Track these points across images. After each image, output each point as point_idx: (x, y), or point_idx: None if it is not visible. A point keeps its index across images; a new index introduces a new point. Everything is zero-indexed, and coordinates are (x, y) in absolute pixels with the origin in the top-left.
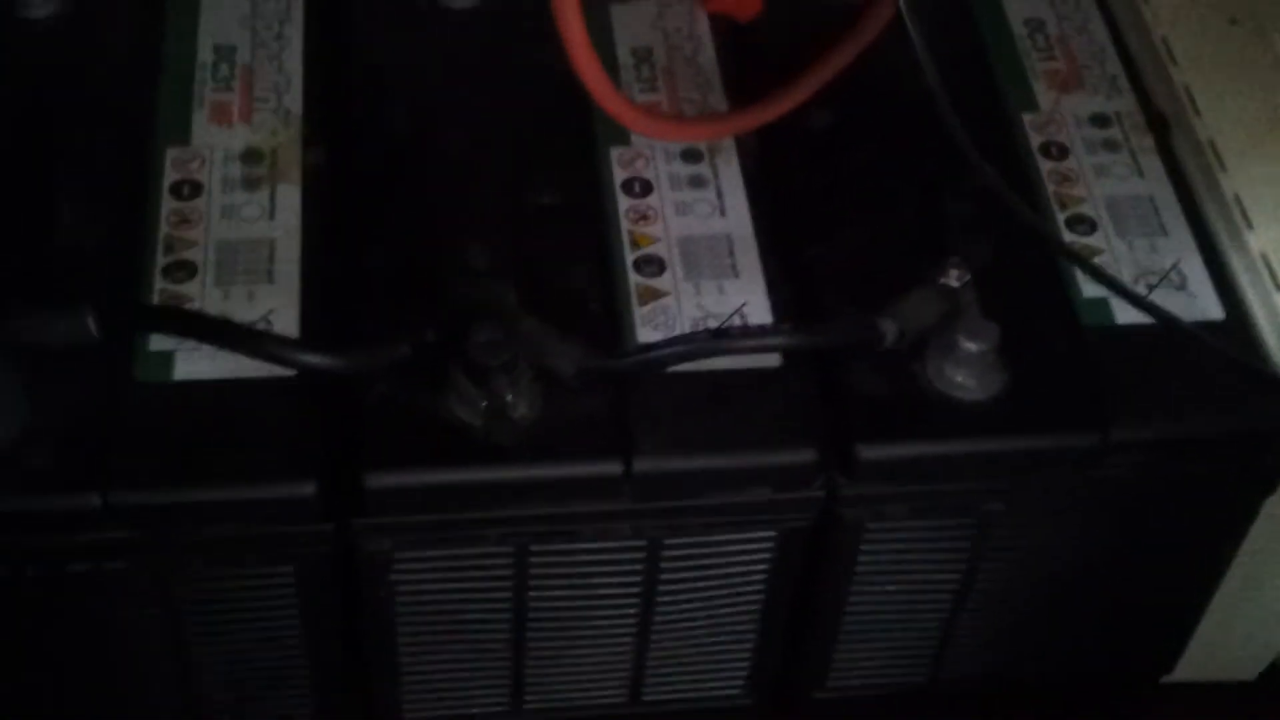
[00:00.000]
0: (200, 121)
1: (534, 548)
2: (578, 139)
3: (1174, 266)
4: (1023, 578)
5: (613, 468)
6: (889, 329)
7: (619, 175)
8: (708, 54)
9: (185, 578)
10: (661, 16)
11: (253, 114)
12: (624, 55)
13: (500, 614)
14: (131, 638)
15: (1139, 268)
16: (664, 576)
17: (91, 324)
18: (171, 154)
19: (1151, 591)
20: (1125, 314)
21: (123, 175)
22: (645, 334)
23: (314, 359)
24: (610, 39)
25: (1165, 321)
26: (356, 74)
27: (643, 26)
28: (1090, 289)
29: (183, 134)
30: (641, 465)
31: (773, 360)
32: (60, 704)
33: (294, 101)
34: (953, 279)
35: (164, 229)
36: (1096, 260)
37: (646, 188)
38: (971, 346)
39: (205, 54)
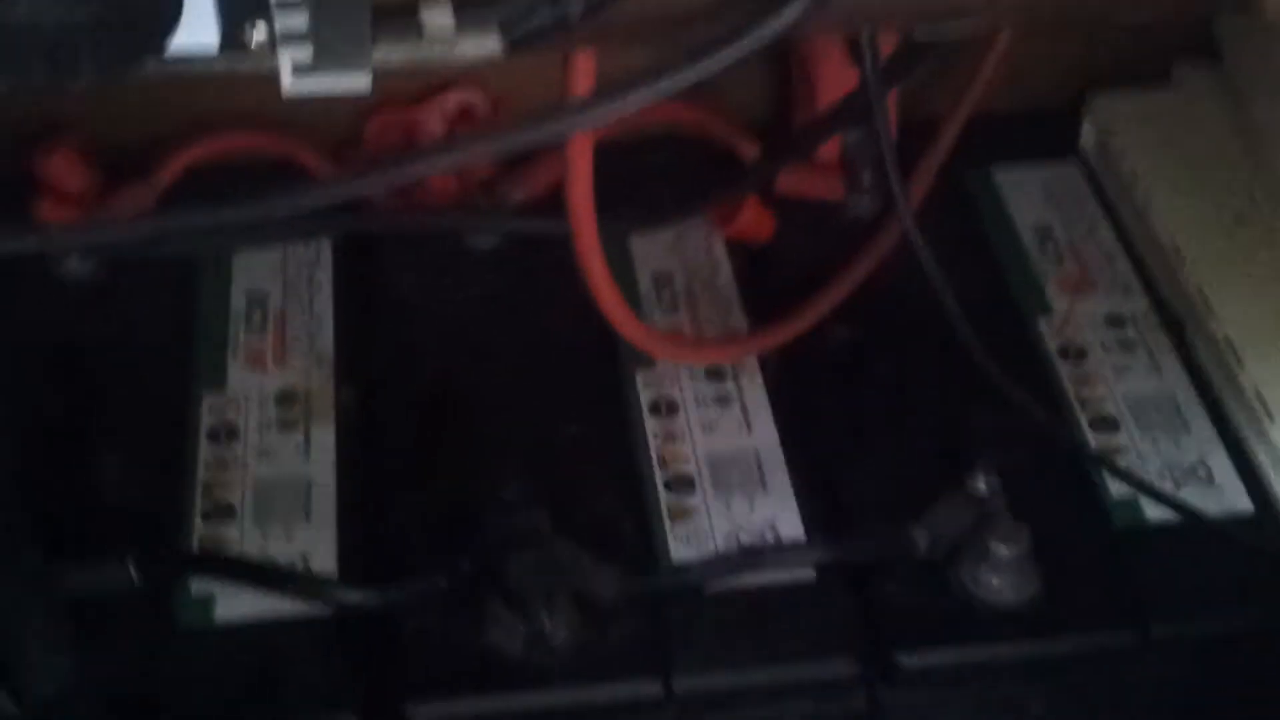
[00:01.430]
0: (235, 367)
1: None
2: (603, 365)
3: (1200, 461)
4: None
5: (653, 688)
6: (921, 539)
7: (645, 397)
8: (725, 276)
9: None
10: (680, 243)
11: (286, 357)
12: (645, 282)
13: None
14: None
15: (1165, 464)
16: None
17: (133, 573)
18: (208, 400)
19: None
20: (1155, 511)
21: (162, 424)
22: (679, 551)
23: (353, 596)
24: (630, 266)
25: (1195, 518)
26: (386, 315)
27: (662, 253)
28: (1118, 489)
29: (219, 380)
30: (682, 684)
31: (807, 574)
32: None
33: (326, 343)
34: (981, 485)
35: (202, 474)
36: (1122, 459)
37: (673, 408)
38: (1004, 550)
39: (238, 301)
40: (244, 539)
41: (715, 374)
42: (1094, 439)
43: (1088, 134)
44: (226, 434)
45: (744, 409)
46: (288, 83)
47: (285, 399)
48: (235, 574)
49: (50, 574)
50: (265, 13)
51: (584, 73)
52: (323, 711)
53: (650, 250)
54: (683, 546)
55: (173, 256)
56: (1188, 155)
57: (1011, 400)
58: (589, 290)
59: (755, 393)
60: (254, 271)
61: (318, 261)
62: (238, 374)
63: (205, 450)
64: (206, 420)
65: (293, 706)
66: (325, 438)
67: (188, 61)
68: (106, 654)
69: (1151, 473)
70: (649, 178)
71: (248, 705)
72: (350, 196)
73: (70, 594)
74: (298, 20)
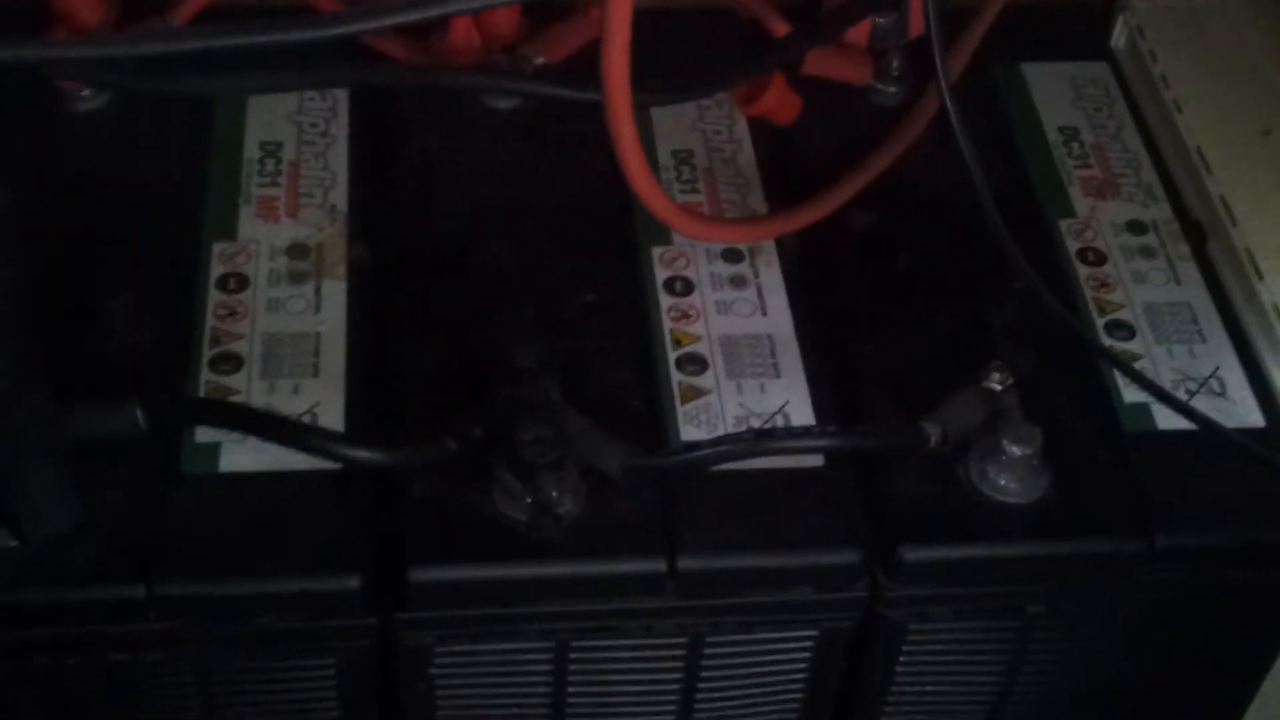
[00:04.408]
0: (247, 216)
1: (575, 644)
2: (619, 237)
3: (1214, 373)
4: (1065, 680)
5: (657, 565)
6: (933, 433)
7: (661, 274)
8: (747, 156)
9: (226, 669)
10: (701, 119)
11: (299, 210)
12: (665, 157)
13: (540, 709)
14: None
15: (1178, 374)
16: (705, 674)
17: (139, 418)
18: (218, 248)
19: (1193, 695)
20: (1166, 420)
21: (170, 269)
22: (688, 432)
23: (360, 454)
24: (651, 141)
25: (1207, 427)
26: (401, 171)
27: (683, 129)
28: (1131, 394)
29: (230, 229)
30: (686, 563)
31: (815, 460)
32: None
33: (339, 198)
34: (995, 383)
35: (210, 322)
36: (1136, 366)
37: (688, 287)
38: (1015, 450)
39: (252, 150)
40: (251, 390)
41: (732, 254)
42: (1109, 343)
43: (1119, 33)
44: (236, 283)
45: (760, 292)
46: None
47: (296, 251)
48: (243, 424)
49: (57, 415)
50: None
51: None
52: (325, 567)
53: (672, 125)
54: (692, 426)
55: (185, 95)
56: (1219, 62)
57: (1034, 296)
58: (617, 158)
59: (772, 276)
60: (268, 120)
61: (334, 114)
62: (249, 223)
63: (214, 298)
64: (216, 268)
65: (295, 560)
66: (336, 293)
67: None
68: (110, 496)
69: (1165, 381)
70: (674, 50)
71: (250, 554)
72: (369, 31)
73: (76, 436)
74: None
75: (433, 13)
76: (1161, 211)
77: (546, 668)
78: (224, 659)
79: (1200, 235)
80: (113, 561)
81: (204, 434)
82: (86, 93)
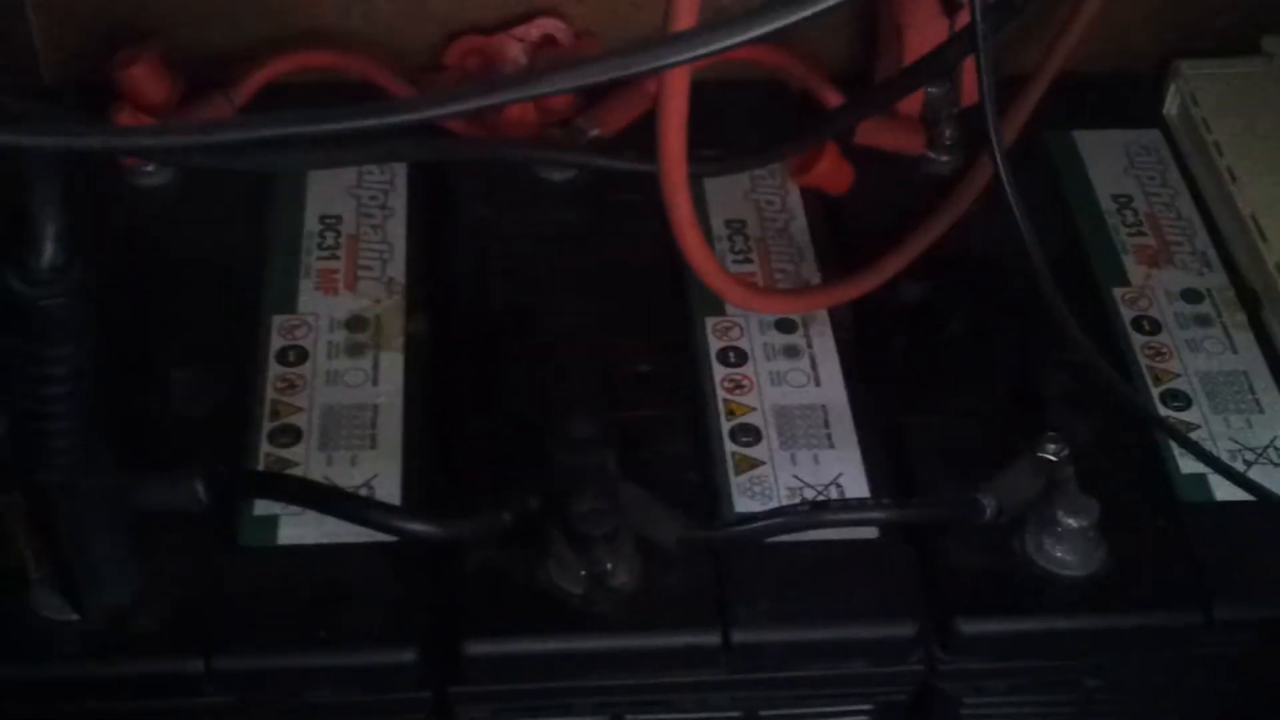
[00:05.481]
0: (307, 289)
1: (629, 716)
2: (673, 307)
3: (1271, 442)
4: None
5: (712, 639)
6: (988, 504)
7: (714, 344)
8: (800, 225)
9: None
10: (754, 189)
11: (357, 282)
12: (718, 226)
13: None
14: None
15: (1235, 444)
16: None
17: (200, 491)
18: (278, 321)
19: None
20: (1224, 490)
21: (231, 341)
22: (742, 503)
23: (416, 527)
24: (705, 210)
25: (1265, 498)
26: (459, 244)
27: (736, 198)
28: (1188, 465)
29: (289, 302)
30: (740, 637)
31: (870, 531)
32: None
33: (397, 270)
34: (1050, 454)
35: (270, 394)
36: (1193, 436)
37: (741, 357)
38: (1071, 522)
39: (312, 223)
40: (309, 462)
41: (785, 325)
42: (1165, 414)
43: (1171, 101)
44: (295, 355)
45: (813, 362)
46: None
47: (355, 324)
48: (301, 497)
49: (120, 487)
50: None
51: (687, 6)
52: (382, 640)
53: (725, 195)
54: (746, 499)
55: (247, 170)
56: (1272, 129)
57: (1088, 366)
58: (671, 230)
59: (825, 346)
60: (328, 193)
61: (392, 186)
62: (308, 296)
63: (274, 370)
64: (276, 341)
65: (351, 633)
66: (393, 365)
67: None
68: (168, 568)
69: (1221, 451)
70: (727, 120)
71: (306, 628)
72: (430, 119)
73: (137, 508)
74: None
75: (502, 99)
76: (1216, 279)
77: None
78: None
79: (1256, 303)
80: (171, 635)
81: (262, 506)
82: (150, 168)
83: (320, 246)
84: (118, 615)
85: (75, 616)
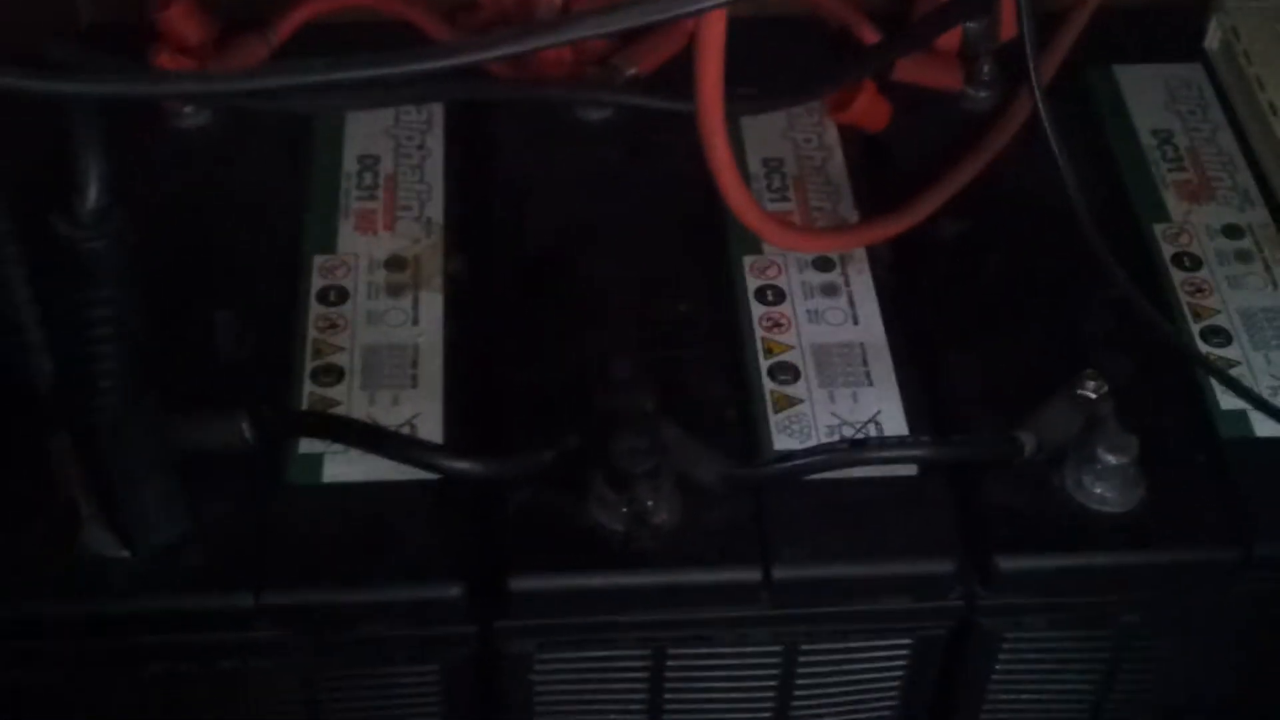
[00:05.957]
0: (346, 230)
1: (671, 651)
2: (711, 247)
3: None
4: (1161, 691)
5: (752, 575)
6: (1027, 442)
7: (752, 283)
8: (837, 163)
9: (331, 676)
10: (792, 127)
11: (396, 223)
12: (755, 165)
13: (636, 715)
14: None
15: (1276, 380)
16: (799, 682)
17: (245, 430)
18: (319, 261)
19: None
20: (1264, 426)
21: (273, 282)
22: (781, 441)
23: (459, 465)
24: (742, 149)
25: None
26: (496, 184)
27: (774, 137)
28: (1228, 401)
29: (329, 242)
30: (781, 573)
31: (909, 469)
32: None
33: (435, 210)
34: (1090, 391)
35: (312, 334)
36: (1233, 372)
37: (779, 295)
38: (1111, 459)
39: (350, 164)
40: (351, 402)
41: (823, 263)
42: (1205, 350)
43: (1213, 34)
44: (336, 295)
45: (851, 300)
46: None
47: (394, 264)
48: (346, 436)
49: (166, 427)
50: None
51: None
52: (428, 576)
53: (762, 133)
54: (785, 437)
55: (285, 112)
56: None
57: (1127, 303)
58: (709, 170)
59: (863, 284)
60: (366, 134)
61: (429, 127)
62: (348, 236)
63: (315, 310)
64: (317, 281)
65: (398, 569)
66: (433, 305)
67: None
68: (217, 507)
69: (1262, 388)
70: (764, 58)
71: (354, 564)
72: (467, 63)
73: (184, 448)
74: None
75: (538, 44)
76: (1258, 215)
77: (643, 675)
78: (329, 666)
79: None
80: (221, 571)
81: (308, 445)
82: (189, 109)
83: (359, 187)
84: (168, 552)
85: (126, 554)
